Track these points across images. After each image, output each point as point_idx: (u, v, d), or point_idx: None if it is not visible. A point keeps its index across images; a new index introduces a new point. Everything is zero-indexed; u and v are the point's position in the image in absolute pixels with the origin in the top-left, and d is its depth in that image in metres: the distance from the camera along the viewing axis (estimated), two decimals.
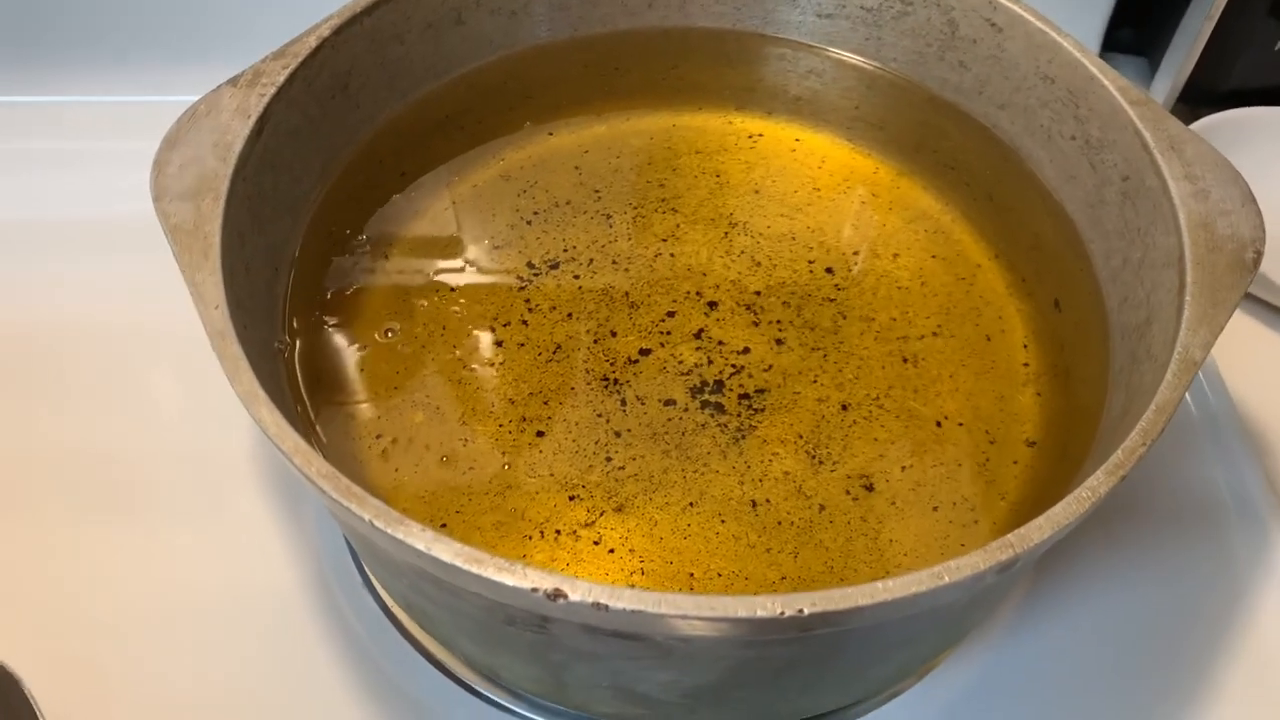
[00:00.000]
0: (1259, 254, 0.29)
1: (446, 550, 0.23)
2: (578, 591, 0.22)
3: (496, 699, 0.33)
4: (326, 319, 0.35)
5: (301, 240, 0.35)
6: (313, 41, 0.33)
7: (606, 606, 0.22)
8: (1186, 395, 0.41)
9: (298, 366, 0.33)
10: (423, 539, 0.23)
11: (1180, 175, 0.31)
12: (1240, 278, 0.28)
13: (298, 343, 0.33)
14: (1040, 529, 0.23)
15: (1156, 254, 0.31)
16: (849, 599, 0.22)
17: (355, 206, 0.37)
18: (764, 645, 0.25)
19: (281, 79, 0.32)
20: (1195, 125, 0.47)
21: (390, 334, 0.35)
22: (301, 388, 0.32)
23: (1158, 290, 0.30)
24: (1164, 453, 0.40)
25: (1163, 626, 0.36)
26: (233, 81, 0.32)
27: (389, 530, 0.23)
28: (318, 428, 0.32)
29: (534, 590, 0.22)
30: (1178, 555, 0.38)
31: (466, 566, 0.22)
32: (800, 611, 0.22)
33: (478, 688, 0.34)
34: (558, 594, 0.22)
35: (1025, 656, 0.36)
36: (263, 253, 0.32)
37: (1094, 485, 0.24)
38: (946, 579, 0.22)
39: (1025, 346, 0.36)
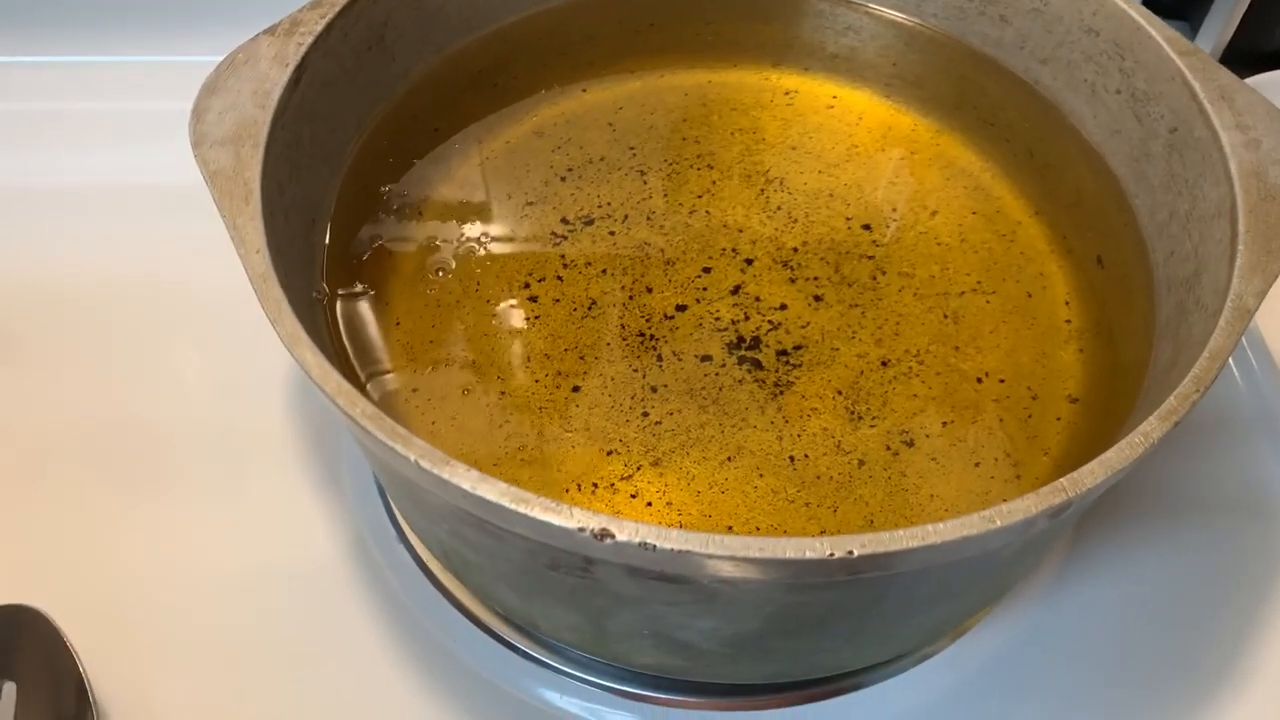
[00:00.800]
0: None
1: (492, 490, 0.22)
2: (625, 531, 0.22)
3: (534, 654, 0.33)
4: (361, 272, 0.35)
5: (338, 193, 0.34)
6: None
7: (654, 546, 0.22)
8: (1240, 380, 0.40)
9: (335, 318, 0.32)
10: (468, 479, 0.23)
11: (1231, 125, 0.30)
12: None
13: (335, 295, 0.33)
14: (1093, 473, 0.23)
15: (1206, 205, 0.30)
16: (899, 541, 0.22)
17: (389, 161, 0.37)
18: (809, 590, 0.24)
19: (319, 28, 0.32)
20: None
21: (425, 289, 0.35)
22: (343, 337, 0.32)
23: (1207, 242, 0.30)
24: (1213, 439, 0.39)
25: (1200, 603, 0.36)
26: (270, 30, 0.32)
27: (435, 470, 0.23)
28: (359, 377, 0.32)
29: (580, 530, 0.22)
30: (1216, 536, 0.37)
31: (513, 506, 0.22)
32: (850, 553, 0.22)
33: (515, 643, 0.34)
34: (605, 534, 0.22)
35: (1058, 624, 0.35)
36: (300, 203, 0.32)
37: (1147, 430, 0.24)
38: (999, 522, 0.22)
39: (1067, 303, 0.35)
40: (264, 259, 0.27)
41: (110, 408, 0.40)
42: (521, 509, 0.22)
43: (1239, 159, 0.29)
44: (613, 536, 0.22)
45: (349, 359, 0.32)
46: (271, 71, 0.31)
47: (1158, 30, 0.33)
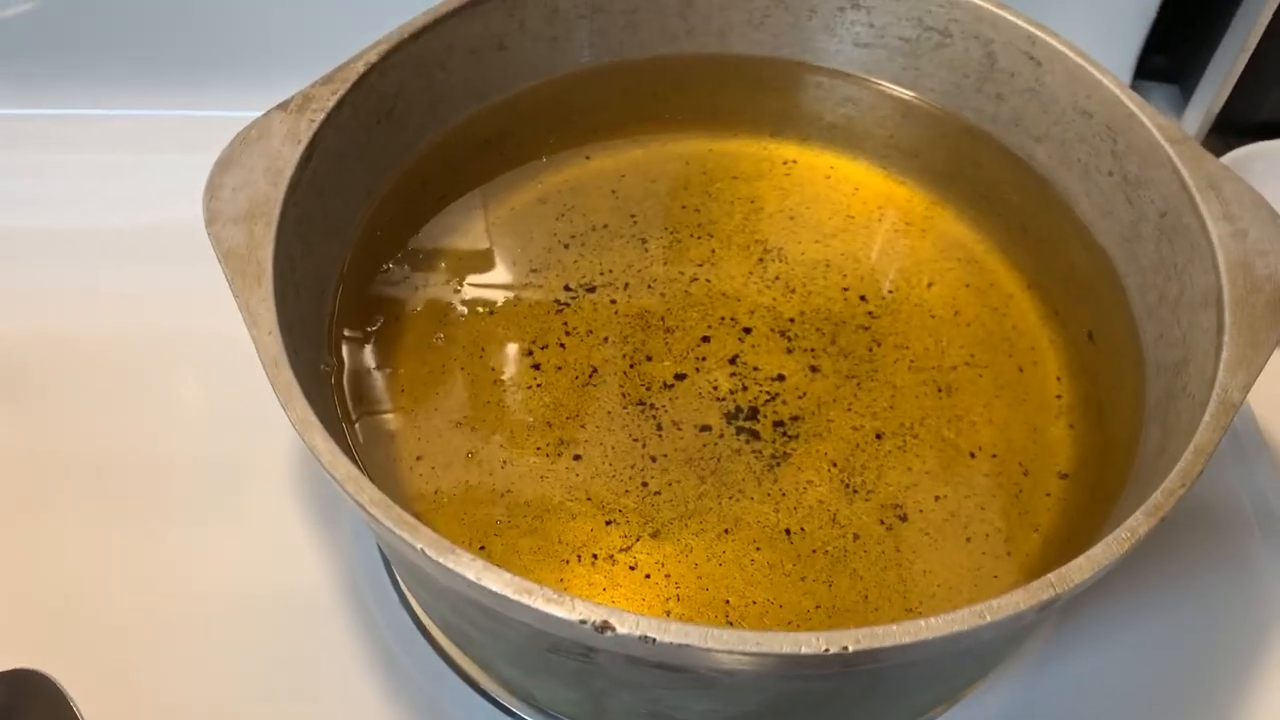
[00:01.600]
0: None
1: (496, 580, 0.23)
2: (625, 625, 0.22)
3: (527, 717, 0.34)
4: (369, 341, 0.36)
5: (346, 263, 0.35)
6: (361, 67, 0.34)
7: (654, 640, 0.22)
8: (1228, 453, 0.41)
9: (341, 389, 0.33)
10: (473, 569, 0.23)
11: (1219, 215, 0.31)
12: (1279, 319, 0.29)
13: (341, 365, 0.34)
14: (1080, 569, 0.24)
15: (1194, 293, 0.31)
16: (892, 636, 0.22)
17: (397, 229, 0.38)
18: (805, 679, 0.25)
19: (331, 104, 0.33)
20: (1228, 156, 0.47)
21: (430, 355, 0.36)
22: (349, 408, 0.33)
23: (1194, 329, 0.31)
24: (1201, 517, 0.40)
25: (1185, 676, 0.36)
26: (283, 106, 0.33)
27: (440, 559, 0.23)
28: (361, 448, 0.32)
29: (582, 622, 0.22)
30: (1205, 579, 0.38)
31: (516, 597, 0.23)
32: (845, 649, 0.22)
33: (511, 706, 0.34)
34: (606, 626, 0.22)
35: (1046, 695, 0.36)
36: (311, 277, 0.32)
37: (1133, 526, 0.25)
38: (988, 618, 0.23)
39: (1058, 379, 0.36)
40: (276, 340, 0.27)
41: (113, 446, 0.40)
42: (525, 600, 0.23)
43: (1226, 249, 0.30)
44: (614, 629, 0.22)
45: (355, 430, 0.33)
46: (284, 148, 0.31)
47: (1149, 117, 0.34)
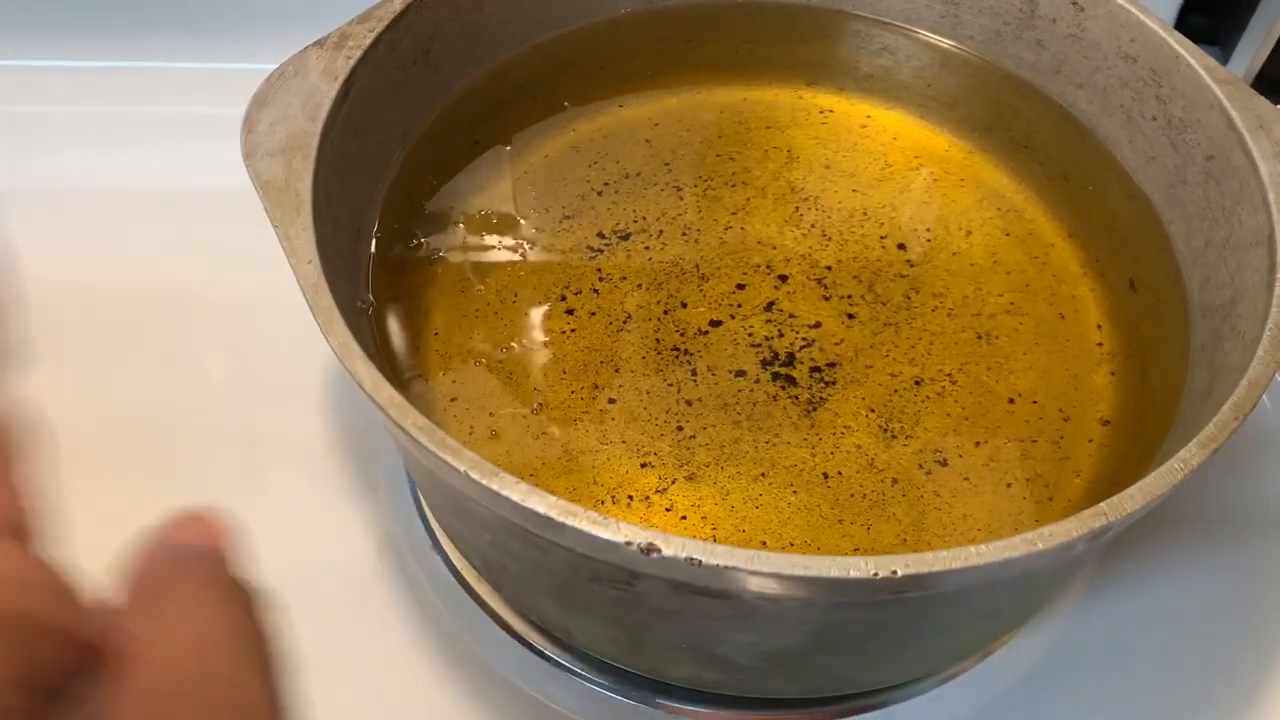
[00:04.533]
0: None
1: (542, 503, 0.23)
2: (671, 547, 0.22)
3: (564, 661, 0.34)
4: (403, 282, 0.35)
5: (382, 204, 0.35)
6: (397, 5, 0.34)
7: (700, 562, 0.22)
8: (1267, 402, 0.41)
9: (378, 327, 0.33)
10: (518, 490, 0.23)
11: (1270, 154, 0.30)
12: None
13: (378, 304, 0.34)
14: (1133, 498, 0.23)
15: (1243, 233, 0.31)
16: (942, 561, 0.22)
17: (431, 173, 0.38)
18: (850, 608, 0.25)
19: (367, 42, 0.32)
20: None
21: (463, 300, 0.36)
22: (386, 347, 0.32)
23: (1244, 270, 0.30)
24: (1245, 459, 0.39)
25: (1225, 626, 0.36)
26: (319, 43, 0.32)
27: (484, 482, 0.23)
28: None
29: (628, 544, 0.22)
30: (1246, 556, 0.37)
31: (561, 519, 0.23)
32: (894, 573, 0.22)
33: (548, 651, 0.34)
34: (651, 548, 0.22)
35: (1084, 645, 0.36)
36: (346, 214, 0.32)
37: (1186, 457, 0.24)
38: (1040, 545, 0.22)
39: (1099, 326, 0.36)
40: (315, 269, 0.27)
41: (144, 409, 0.40)
42: (570, 522, 0.22)
43: (1277, 188, 0.30)
44: (659, 551, 0.22)
45: (391, 367, 0.32)
46: (321, 84, 0.31)
47: (1196, 58, 0.33)
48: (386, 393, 0.24)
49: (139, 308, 0.43)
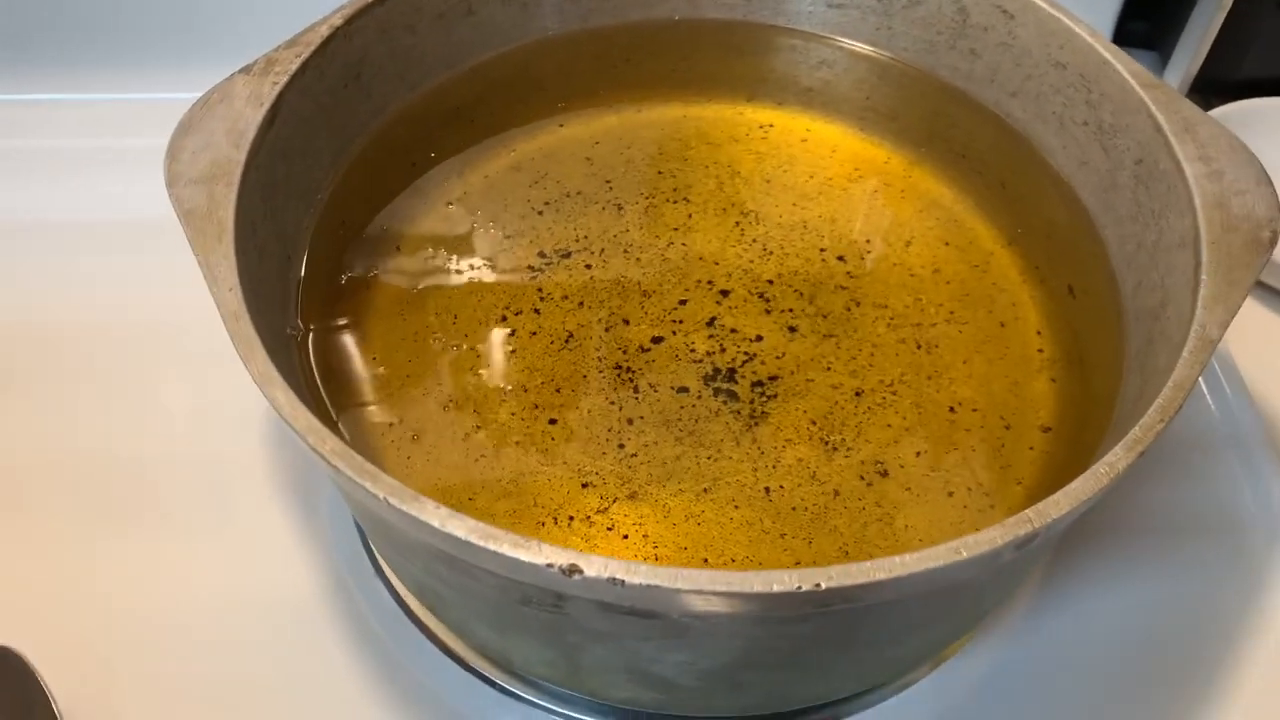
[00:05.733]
0: (1275, 233, 0.29)
1: (461, 527, 0.22)
2: (593, 567, 0.22)
3: (510, 687, 0.33)
4: (338, 308, 0.35)
5: (314, 229, 0.35)
6: (325, 30, 0.33)
7: (623, 581, 0.22)
8: (1210, 401, 0.41)
9: (311, 353, 0.33)
10: (437, 516, 0.23)
11: (1194, 157, 0.31)
12: (1256, 256, 0.28)
13: (310, 330, 0.33)
14: (1059, 504, 0.23)
15: (1171, 236, 0.31)
16: (866, 573, 0.22)
17: (367, 196, 0.37)
18: (779, 623, 0.25)
19: (294, 67, 0.32)
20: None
21: (402, 322, 0.35)
22: (315, 374, 0.32)
23: (1172, 273, 0.30)
24: (1185, 457, 0.40)
25: (1176, 627, 0.36)
26: (246, 69, 0.32)
27: (404, 508, 0.23)
28: (332, 414, 0.32)
29: (549, 566, 0.22)
30: (1194, 558, 0.38)
31: (481, 543, 0.22)
32: (817, 586, 0.22)
33: (492, 677, 0.33)
34: (573, 569, 0.22)
35: (1036, 650, 0.35)
36: (275, 240, 0.32)
37: (1112, 461, 0.24)
38: (964, 554, 0.22)
39: (1039, 333, 0.36)
40: (236, 296, 0.27)
41: (91, 442, 0.40)
42: (490, 545, 0.22)
43: (1202, 190, 0.30)
44: (581, 572, 0.22)
45: (322, 394, 0.32)
46: (246, 110, 0.31)
47: (1123, 64, 0.33)
48: (304, 418, 0.24)
49: (85, 341, 0.43)
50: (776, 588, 0.22)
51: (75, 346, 0.43)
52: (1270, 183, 0.30)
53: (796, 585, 0.22)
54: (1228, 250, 0.28)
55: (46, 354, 0.42)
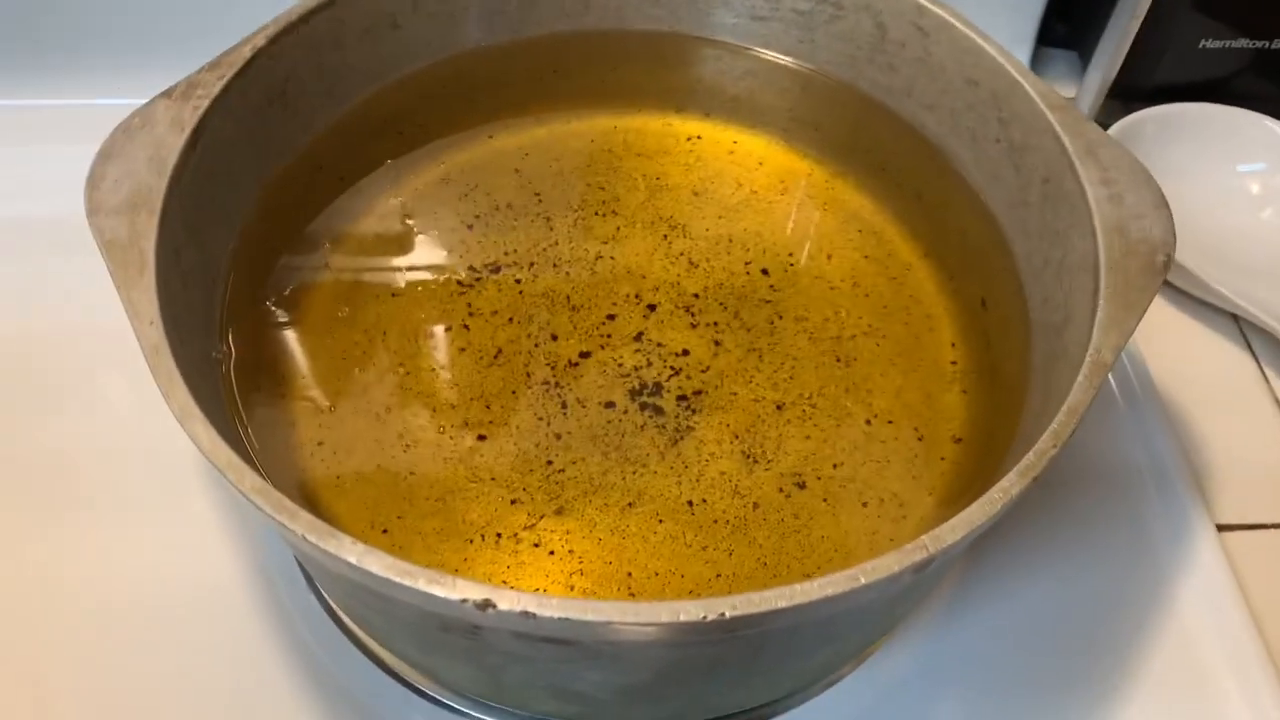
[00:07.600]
0: (1169, 258, 0.30)
1: (378, 564, 0.23)
2: (505, 601, 0.23)
3: (439, 696, 0.34)
4: (266, 327, 0.35)
5: (239, 249, 0.35)
6: (248, 51, 0.33)
7: (534, 615, 0.23)
8: (1110, 377, 0.42)
9: (234, 375, 0.33)
10: (354, 552, 0.23)
11: (1096, 179, 0.32)
12: (1151, 281, 0.30)
13: (235, 351, 0.34)
14: (954, 530, 0.24)
15: (1075, 256, 0.32)
16: (768, 602, 0.23)
17: (294, 213, 0.38)
18: (690, 646, 0.26)
19: (217, 90, 0.32)
20: (1123, 121, 0.48)
21: (330, 341, 0.36)
22: (238, 397, 0.32)
23: (1075, 292, 0.31)
24: (1090, 430, 0.41)
25: (1087, 607, 0.38)
26: (167, 93, 0.32)
27: (321, 544, 0.23)
28: (252, 435, 0.32)
29: (464, 601, 0.23)
30: (1103, 534, 0.39)
31: (398, 579, 0.23)
32: (722, 615, 0.23)
33: (420, 686, 0.34)
34: (487, 604, 0.23)
35: (959, 642, 0.37)
36: (200, 264, 0.32)
37: (1006, 487, 0.25)
38: (863, 580, 0.23)
39: (953, 345, 0.37)
40: (157, 330, 0.27)
41: (14, 443, 0.40)
42: (406, 582, 0.23)
43: (1103, 214, 0.31)
44: (494, 607, 0.23)
45: (244, 420, 0.32)
46: (168, 136, 0.31)
47: (1031, 84, 0.34)
48: (224, 455, 0.24)
49: (15, 343, 0.42)
50: (683, 617, 0.23)
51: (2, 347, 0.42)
52: (1167, 206, 0.31)
53: (702, 615, 0.23)
54: (1125, 275, 0.30)
55: None
